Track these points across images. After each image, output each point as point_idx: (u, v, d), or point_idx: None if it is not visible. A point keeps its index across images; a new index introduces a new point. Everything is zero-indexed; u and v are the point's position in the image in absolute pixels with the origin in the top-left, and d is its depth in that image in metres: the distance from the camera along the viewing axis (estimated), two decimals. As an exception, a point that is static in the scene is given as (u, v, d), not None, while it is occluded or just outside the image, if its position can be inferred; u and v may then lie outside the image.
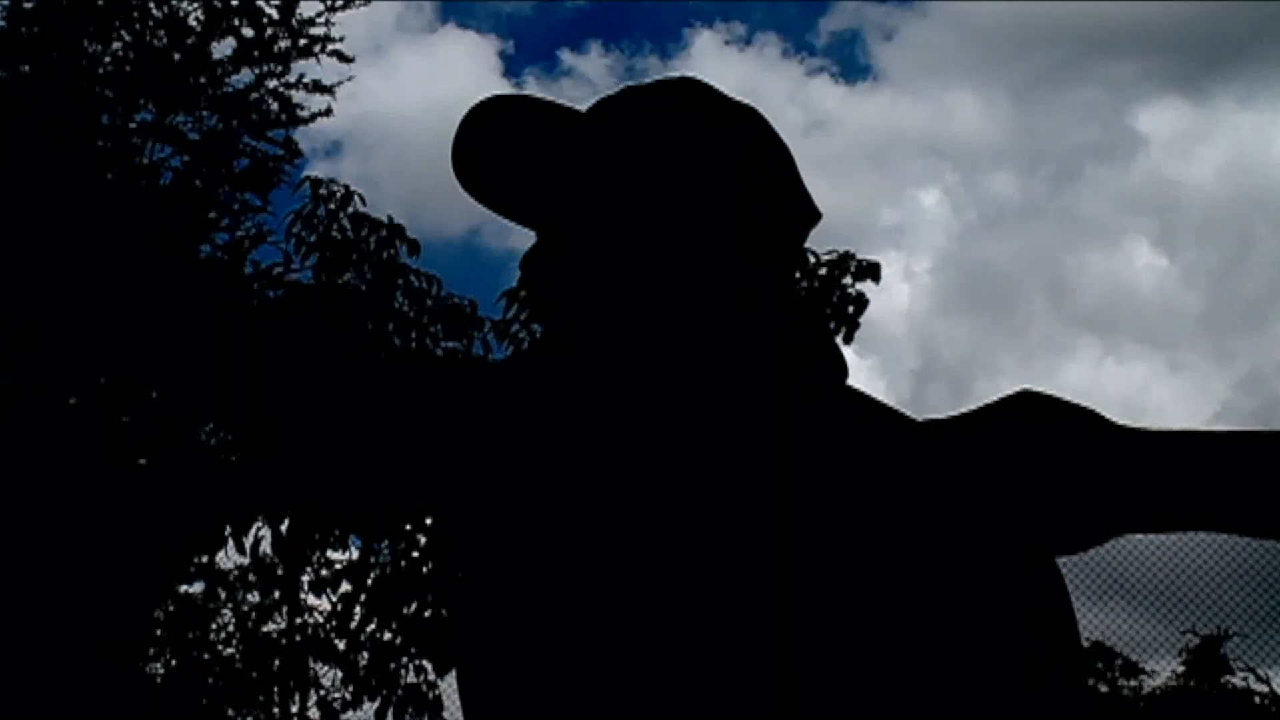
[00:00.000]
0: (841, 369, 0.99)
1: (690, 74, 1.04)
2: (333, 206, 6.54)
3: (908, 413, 0.97)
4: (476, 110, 1.00)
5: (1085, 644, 8.16)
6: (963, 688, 0.81)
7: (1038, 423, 0.93)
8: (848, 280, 6.94)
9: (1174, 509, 0.93)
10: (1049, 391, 0.95)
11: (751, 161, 0.98)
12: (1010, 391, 0.96)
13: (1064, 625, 0.88)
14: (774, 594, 0.82)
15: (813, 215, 1.02)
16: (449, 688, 6.34)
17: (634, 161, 0.96)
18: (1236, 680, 7.83)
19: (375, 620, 6.30)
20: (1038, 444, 0.92)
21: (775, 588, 0.83)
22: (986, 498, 0.89)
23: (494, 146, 1.00)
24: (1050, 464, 0.91)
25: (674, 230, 0.94)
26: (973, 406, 0.96)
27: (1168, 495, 0.92)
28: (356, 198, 6.63)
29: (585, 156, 0.98)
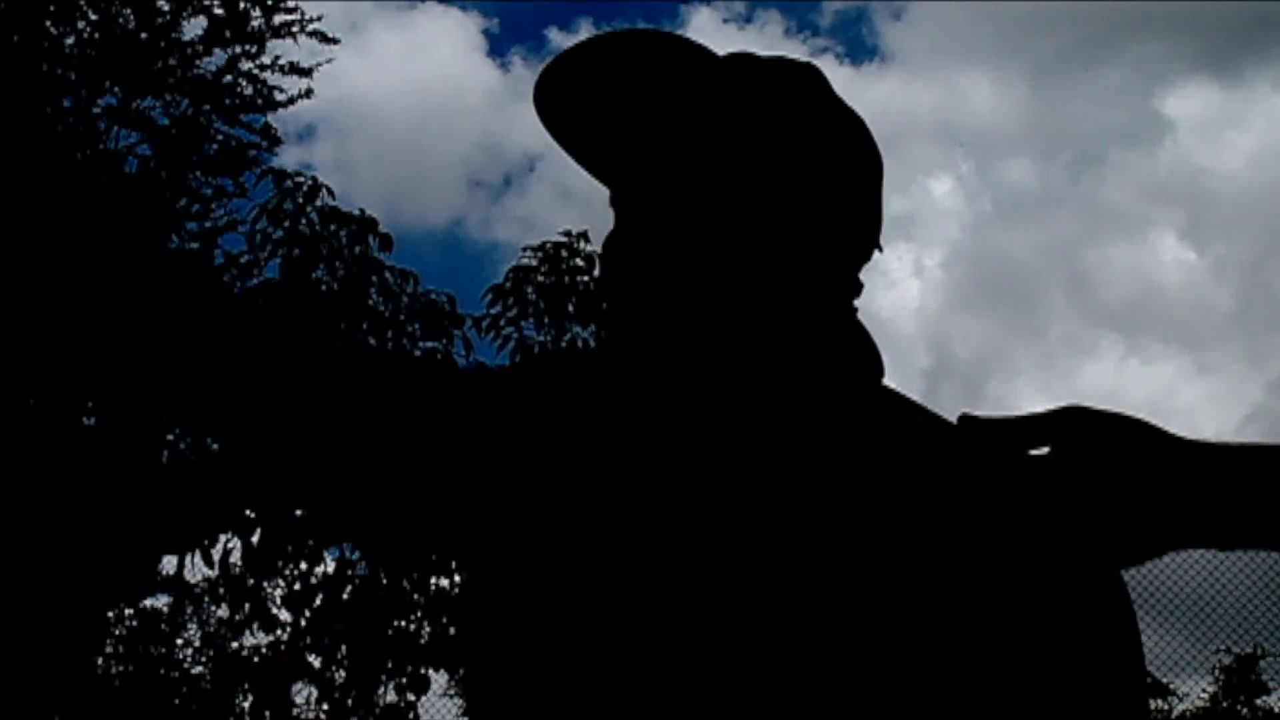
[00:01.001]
0: (876, 367, 0.97)
1: (815, 63, 1.02)
2: (300, 200, 6.16)
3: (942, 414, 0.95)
4: (596, 41, 0.97)
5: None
6: (991, 699, 0.79)
7: (1093, 434, 0.90)
8: None
9: (1238, 525, 0.91)
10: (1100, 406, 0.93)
11: (855, 177, 0.98)
12: (1057, 406, 0.93)
13: (1121, 644, 0.85)
14: (794, 601, 0.80)
15: (875, 243, 1.01)
16: (428, 707, 6.07)
17: (743, 142, 0.94)
18: (1274, 701, 7.47)
19: (352, 636, 6.01)
20: (1095, 456, 0.89)
21: (795, 595, 0.81)
22: (1032, 509, 0.87)
23: (597, 82, 0.96)
24: (1108, 476, 0.88)
25: (763, 222, 0.93)
26: (1013, 413, 0.93)
27: (1231, 511, 0.90)
28: (325, 190, 6.27)
29: (692, 119, 0.95)
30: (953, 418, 0.94)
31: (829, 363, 0.94)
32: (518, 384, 0.96)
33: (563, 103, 0.99)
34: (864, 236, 1.00)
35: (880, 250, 1.02)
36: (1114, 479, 0.89)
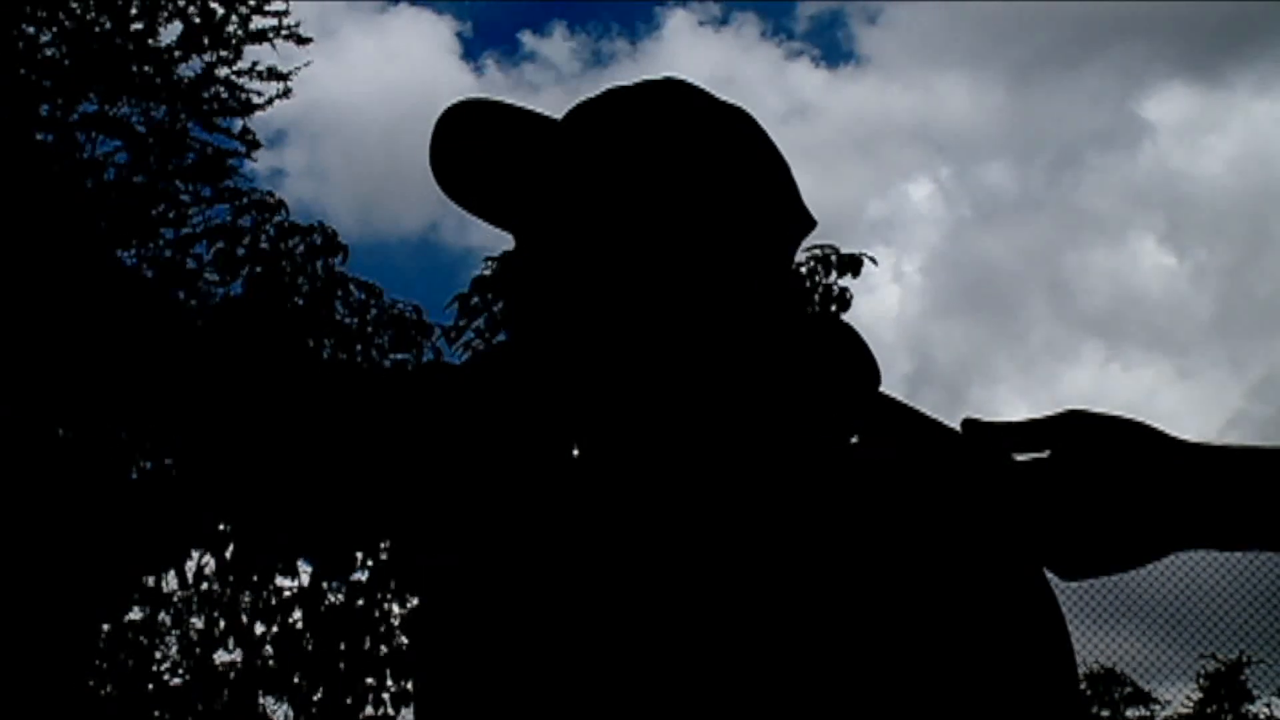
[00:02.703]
0: (872, 375, 0.97)
1: (675, 75, 1.02)
2: (259, 216, 6.12)
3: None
4: (453, 111, 0.99)
5: (1098, 669, 7.94)
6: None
7: (1095, 438, 0.91)
8: (830, 277, 6.70)
9: (1239, 527, 0.91)
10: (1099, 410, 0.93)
11: (740, 166, 0.97)
12: (1059, 410, 0.94)
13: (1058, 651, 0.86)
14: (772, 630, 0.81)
15: (806, 222, 1.01)
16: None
17: (618, 166, 0.95)
18: (1259, 709, 7.44)
19: (329, 650, 5.96)
20: (1096, 460, 0.89)
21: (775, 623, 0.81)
22: (1034, 517, 0.89)
23: (475, 147, 0.99)
24: (1111, 479, 0.89)
25: (658, 237, 0.92)
26: (1014, 419, 0.94)
27: (1233, 512, 0.90)
28: (281, 206, 6.21)
29: (569, 159, 0.97)
30: (979, 417, 0.96)
31: (821, 373, 0.95)
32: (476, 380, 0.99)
33: (460, 169, 1.00)
34: (780, 227, 0.99)
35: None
36: (1117, 482, 0.89)
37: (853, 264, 6.81)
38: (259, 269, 5.89)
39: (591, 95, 1.00)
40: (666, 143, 0.96)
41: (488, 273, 6.52)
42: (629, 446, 0.92)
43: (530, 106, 1.01)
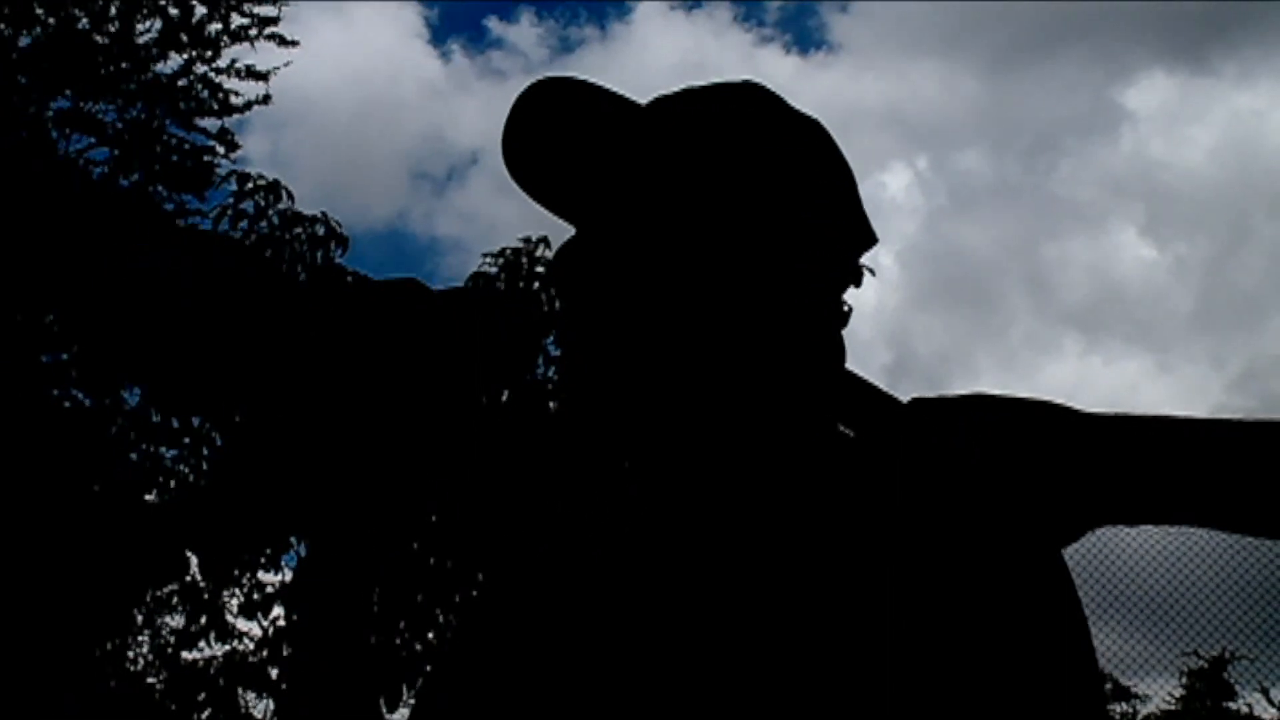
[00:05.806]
0: (838, 354, 0.98)
1: (753, 79, 1.03)
2: (261, 202, 6.06)
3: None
4: (532, 91, 0.99)
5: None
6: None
7: (998, 419, 0.92)
8: None
9: (1155, 498, 0.90)
10: (1003, 392, 0.94)
11: (811, 176, 0.98)
12: (966, 393, 0.95)
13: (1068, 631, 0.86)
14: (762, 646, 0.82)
15: (868, 238, 1.01)
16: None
17: (692, 168, 0.96)
18: (1240, 705, 7.47)
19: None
20: (1003, 440, 0.90)
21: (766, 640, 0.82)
22: (966, 498, 0.88)
23: (549, 136, 0.99)
24: (1019, 458, 0.89)
25: (724, 241, 0.94)
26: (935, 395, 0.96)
27: (1149, 483, 0.90)
28: (285, 192, 6.16)
29: (641, 157, 0.97)
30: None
31: (789, 356, 0.95)
32: None
33: (532, 156, 1.01)
34: (844, 242, 0.99)
35: (868, 263, 1.01)
36: (1028, 459, 0.89)
37: None
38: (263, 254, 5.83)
39: (669, 92, 1.01)
40: (741, 149, 0.97)
41: (489, 268, 6.45)
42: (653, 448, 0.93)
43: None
